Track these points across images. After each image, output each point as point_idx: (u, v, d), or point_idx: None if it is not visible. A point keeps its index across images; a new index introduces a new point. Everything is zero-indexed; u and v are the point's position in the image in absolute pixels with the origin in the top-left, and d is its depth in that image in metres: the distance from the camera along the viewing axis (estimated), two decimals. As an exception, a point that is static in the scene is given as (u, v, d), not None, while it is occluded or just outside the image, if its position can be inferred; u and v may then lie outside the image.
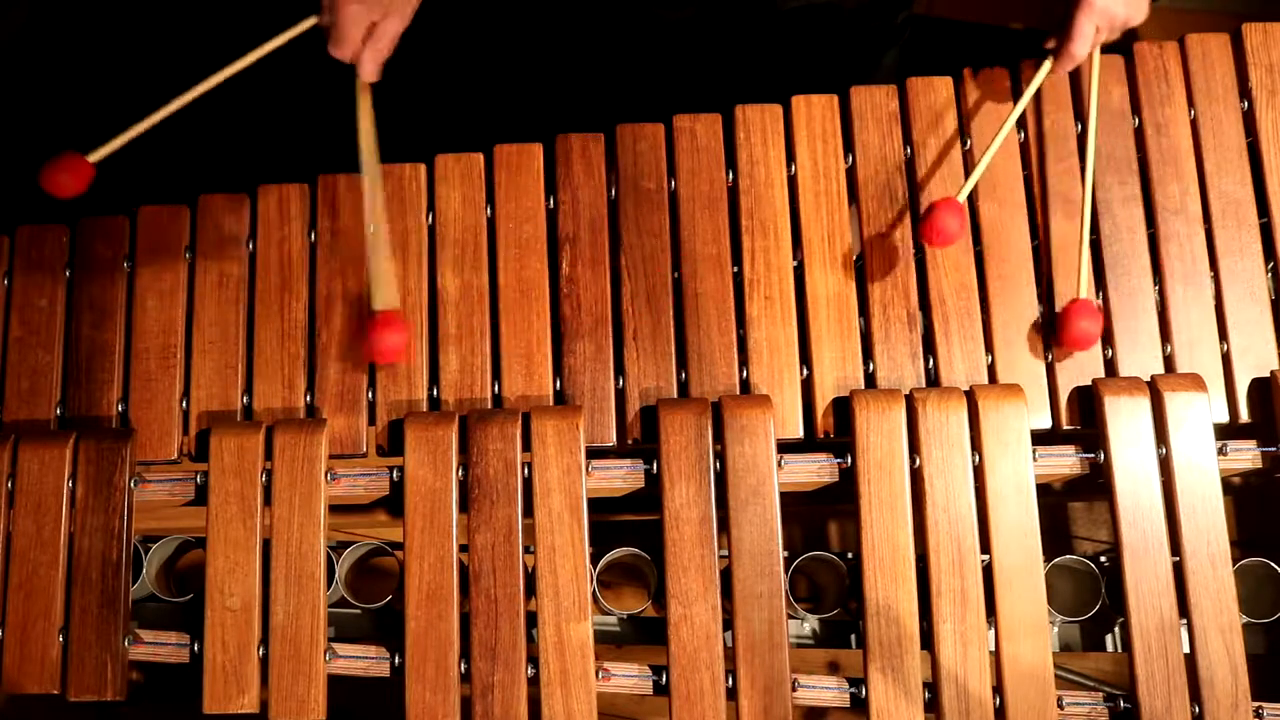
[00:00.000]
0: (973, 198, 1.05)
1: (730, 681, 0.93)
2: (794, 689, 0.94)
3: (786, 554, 0.96)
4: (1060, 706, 0.94)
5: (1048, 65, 1.04)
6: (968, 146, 1.07)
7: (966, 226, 1.00)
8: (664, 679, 0.94)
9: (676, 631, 0.94)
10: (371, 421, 1.02)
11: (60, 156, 0.98)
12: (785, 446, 0.99)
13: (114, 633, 0.96)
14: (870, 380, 1.02)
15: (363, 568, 1.14)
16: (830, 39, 1.23)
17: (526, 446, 0.97)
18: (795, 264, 1.04)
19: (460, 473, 0.97)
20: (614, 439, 1.02)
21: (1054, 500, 1.31)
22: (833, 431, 1.01)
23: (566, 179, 1.07)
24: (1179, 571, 0.95)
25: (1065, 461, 1.00)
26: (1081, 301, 1.00)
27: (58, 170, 0.97)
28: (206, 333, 1.04)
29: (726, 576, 0.95)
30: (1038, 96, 1.07)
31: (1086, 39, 1.01)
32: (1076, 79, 1.08)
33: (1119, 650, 1.11)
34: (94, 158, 0.98)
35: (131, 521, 0.98)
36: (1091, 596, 1.05)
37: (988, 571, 0.95)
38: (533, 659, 0.94)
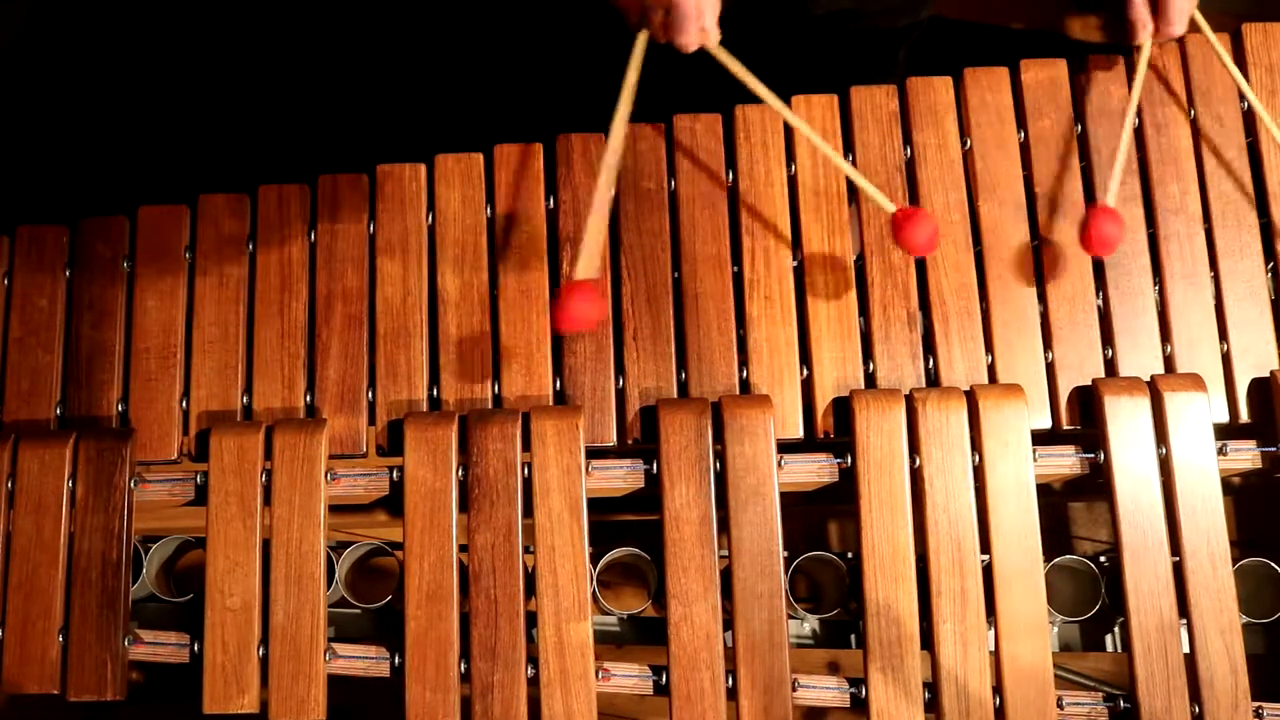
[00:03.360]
0: (972, 198, 1.05)
1: (730, 681, 0.93)
2: (794, 689, 0.94)
3: (786, 554, 0.96)
4: (1060, 706, 0.94)
5: (1145, 50, 1.04)
6: (967, 146, 1.07)
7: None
8: (664, 679, 0.94)
9: (676, 631, 0.94)
10: (371, 421, 1.02)
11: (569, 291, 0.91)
12: (785, 446, 0.99)
13: (114, 633, 0.96)
14: (870, 380, 1.02)
15: (363, 568, 1.14)
16: (855, 40, 1.22)
17: (526, 446, 0.97)
18: (795, 264, 1.04)
19: (460, 473, 0.97)
20: (614, 439, 1.01)
21: (1054, 500, 1.31)
22: (833, 431, 1.01)
23: (566, 179, 1.07)
24: (1179, 571, 0.95)
25: (1065, 461, 1.00)
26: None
27: (574, 303, 0.91)
28: (206, 333, 1.04)
29: (726, 576, 0.95)
30: (1037, 96, 1.08)
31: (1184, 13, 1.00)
32: (1075, 78, 1.08)
33: (1119, 650, 1.11)
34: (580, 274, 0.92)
35: (131, 521, 0.98)
36: (1091, 596, 1.05)
37: (988, 571, 0.95)
38: (533, 659, 0.94)
